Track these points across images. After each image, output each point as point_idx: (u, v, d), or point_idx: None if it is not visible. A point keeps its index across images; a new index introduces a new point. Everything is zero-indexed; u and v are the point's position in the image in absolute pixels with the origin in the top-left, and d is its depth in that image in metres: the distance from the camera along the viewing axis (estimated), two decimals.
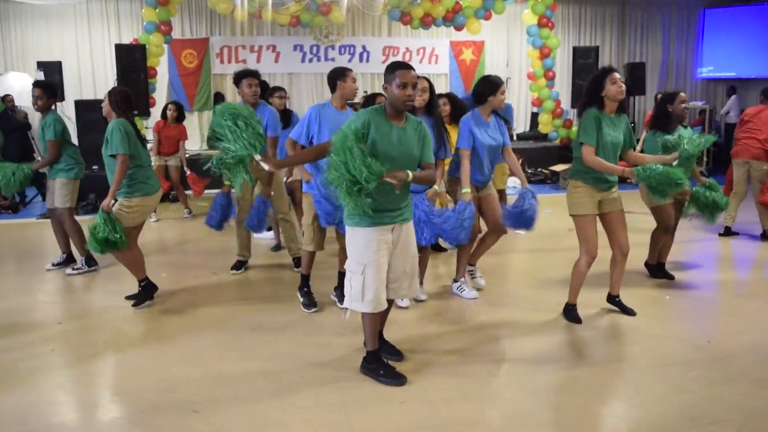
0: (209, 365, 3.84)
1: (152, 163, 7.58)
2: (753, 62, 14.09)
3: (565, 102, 12.65)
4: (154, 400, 3.37)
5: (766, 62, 13.97)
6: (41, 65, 10.08)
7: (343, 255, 4.72)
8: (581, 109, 4.32)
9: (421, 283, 4.90)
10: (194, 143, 12.66)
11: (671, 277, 5.47)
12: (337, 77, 4.59)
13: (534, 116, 13.00)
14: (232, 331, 4.41)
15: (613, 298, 4.66)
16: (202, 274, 5.80)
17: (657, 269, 5.52)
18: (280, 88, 6.61)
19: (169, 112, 8.45)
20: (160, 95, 11.95)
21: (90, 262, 5.84)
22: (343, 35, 12.27)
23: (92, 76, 12.31)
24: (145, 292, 4.90)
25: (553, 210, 8.53)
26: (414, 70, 3.39)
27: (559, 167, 10.86)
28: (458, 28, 11.81)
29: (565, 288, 4.58)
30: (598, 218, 4.37)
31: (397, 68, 3.34)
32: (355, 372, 3.69)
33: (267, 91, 6.44)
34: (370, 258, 3.36)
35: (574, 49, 12.46)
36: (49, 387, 3.55)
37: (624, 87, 4.19)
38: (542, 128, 12.05)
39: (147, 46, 10.37)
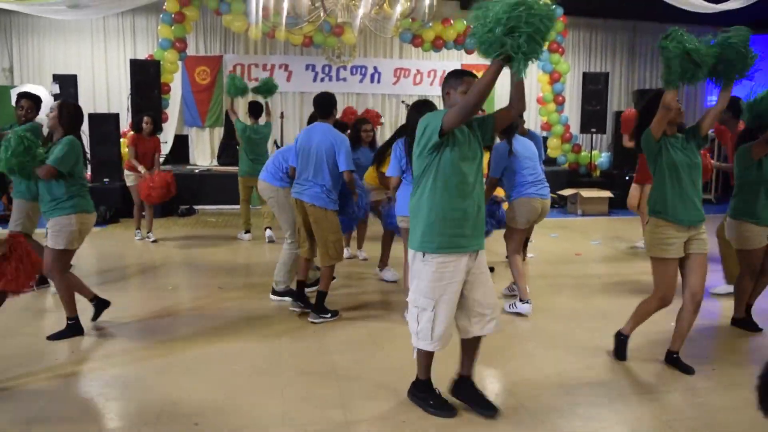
0: (215, 378, 3.87)
1: (132, 181, 7.69)
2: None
3: (575, 127, 12.70)
4: (158, 413, 3.39)
5: None
6: (57, 78, 10.23)
7: (307, 258, 5.07)
8: None
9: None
10: (205, 159, 12.78)
11: (757, 328, 4.75)
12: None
13: (543, 140, 13.04)
14: (237, 344, 4.44)
15: (671, 356, 4.03)
16: (207, 287, 5.84)
17: (745, 320, 4.81)
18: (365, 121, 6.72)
19: (144, 125, 7.84)
20: (173, 111, 12.10)
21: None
22: (355, 56, 12.39)
23: (106, 91, 12.47)
24: (70, 331, 4.52)
25: (561, 234, 8.55)
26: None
27: (567, 191, 10.89)
28: (469, 52, 11.92)
29: (571, 319, 4.56)
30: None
31: (464, 75, 3.23)
32: (358, 390, 3.70)
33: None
34: (444, 291, 3.07)
35: (584, 74, 12.54)
36: (49, 399, 3.59)
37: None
38: (551, 152, 12.09)
39: (161, 62, 10.52)
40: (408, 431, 3.25)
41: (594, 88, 12.08)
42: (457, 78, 3.22)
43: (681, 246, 3.83)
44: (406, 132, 4.72)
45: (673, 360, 4.01)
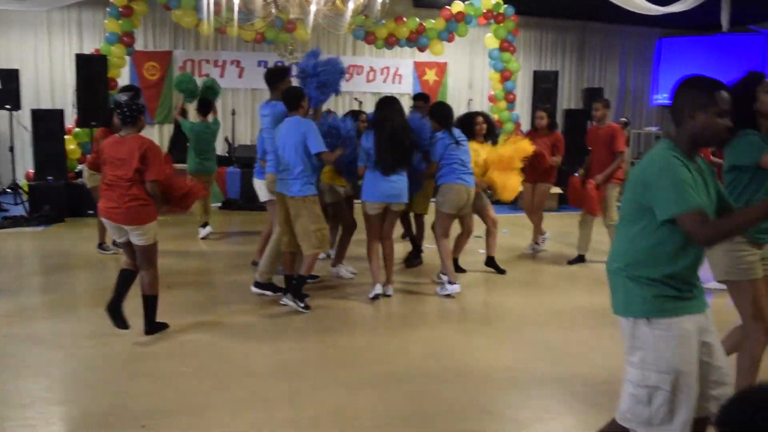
0: (162, 378, 3.80)
1: (96, 181, 7.11)
2: None
3: (525, 124, 12.87)
4: (105, 415, 3.32)
5: None
6: None
7: (290, 253, 5.18)
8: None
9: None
10: None
11: None
12: None
13: (493, 132, 13.19)
14: (186, 344, 4.37)
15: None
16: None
17: None
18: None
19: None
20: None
21: None
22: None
23: (51, 86, 12.09)
24: None
25: (512, 230, 8.67)
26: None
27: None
28: (422, 49, 11.97)
29: (521, 313, 4.63)
30: None
31: (715, 90, 2.31)
32: (307, 386, 3.69)
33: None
34: (687, 362, 2.27)
35: (535, 73, 12.73)
36: None
37: None
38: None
39: (108, 57, 10.27)
40: (359, 427, 3.25)
41: (544, 86, 12.26)
42: (707, 94, 2.31)
43: (760, 264, 3.19)
44: (374, 126, 5.25)
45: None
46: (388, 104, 5.35)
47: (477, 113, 6.51)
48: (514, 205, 10.71)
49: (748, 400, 1.21)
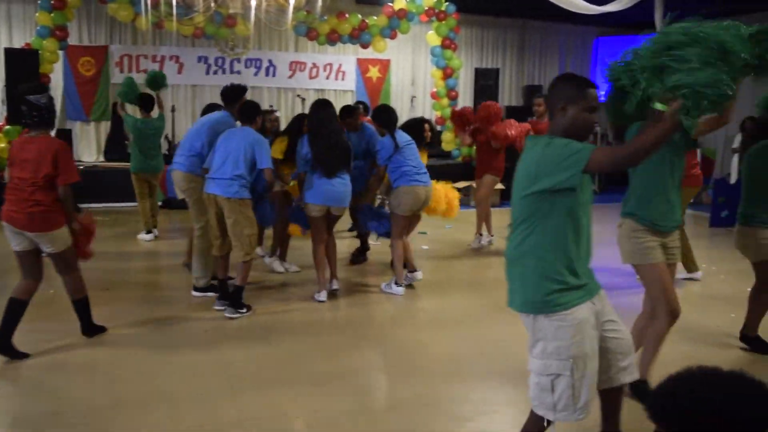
0: (100, 383, 3.70)
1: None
2: None
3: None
4: (40, 421, 3.21)
5: None
6: None
7: (224, 255, 5.06)
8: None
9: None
10: (91, 154, 12.17)
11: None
12: None
13: (437, 134, 13.30)
14: (124, 347, 4.26)
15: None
16: (93, 289, 5.58)
17: (756, 341, 4.36)
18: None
19: None
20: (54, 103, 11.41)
21: None
22: (250, 48, 12.14)
23: None
24: None
25: (454, 225, 8.76)
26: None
27: (461, 184, 11.15)
28: (364, 46, 11.96)
29: (466, 308, 4.68)
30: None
31: (585, 86, 2.52)
32: (250, 387, 3.65)
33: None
34: (584, 348, 2.42)
35: (476, 70, 12.90)
36: None
37: None
38: (445, 146, 12.36)
39: (40, 52, 9.91)
40: (303, 425, 3.24)
41: (486, 83, 12.45)
42: (578, 89, 2.51)
43: (662, 251, 3.48)
44: (310, 131, 5.24)
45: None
46: (321, 108, 5.33)
47: (424, 120, 6.56)
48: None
49: (677, 387, 1.24)
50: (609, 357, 2.54)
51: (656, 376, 3.19)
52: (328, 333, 4.75)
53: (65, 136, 11.91)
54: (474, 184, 7.54)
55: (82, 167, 10.66)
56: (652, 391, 1.21)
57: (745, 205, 4.14)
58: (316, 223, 5.36)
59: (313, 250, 5.42)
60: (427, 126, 6.36)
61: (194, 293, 5.44)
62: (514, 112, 12.09)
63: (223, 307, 5.01)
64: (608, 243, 3.95)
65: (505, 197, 10.88)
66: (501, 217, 8.90)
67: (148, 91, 8.04)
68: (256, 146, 4.93)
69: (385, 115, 5.77)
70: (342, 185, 5.27)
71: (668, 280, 3.46)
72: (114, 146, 11.97)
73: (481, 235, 7.68)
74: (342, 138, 5.31)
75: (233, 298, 5.00)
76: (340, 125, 5.56)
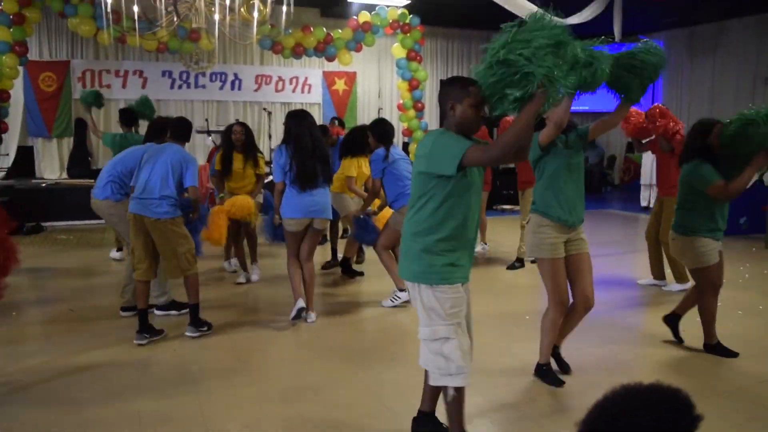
0: (63, 405, 3.61)
1: None
2: (603, 96, 15.19)
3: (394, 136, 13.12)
4: None
5: (612, 97, 15.18)
6: None
7: (144, 282, 4.77)
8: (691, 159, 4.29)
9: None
10: (53, 171, 11.95)
11: (733, 354, 4.44)
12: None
13: (405, 146, 13.37)
14: (89, 368, 4.18)
15: (555, 350, 4.10)
16: (57, 310, 5.47)
17: (718, 346, 4.49)
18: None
19: None
20: (14, 120, 11.21)
21: None
22: (215, 62, 12.07)
23: None
24: None
25: None
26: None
27: None
28: (330, 59, 11.98)
29: None
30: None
31: (469, 84, 2.79)
32: (221, 403, 3.60)
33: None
34: (462, 316, 2.84)
35: (442, 82, 12.96)
36: None
37: None
38: (412, 157, 12.41)
39: None
40: None
41: None
42: (461, 88, 2.80)
43: (562, 246, 3.82)
44: (286, 141, 5.08)
45: (554, 354, 4.10)
46: (297, 117, 5.14)
47: (366, 128, 6.44)
48: None
49: (608, 407, 1.28)
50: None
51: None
52: (298, 350, 4.71)
53: (26, 153, 11.74)
54: None
55: (44, 185, 10.49)
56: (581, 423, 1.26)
57: (683, 216, 4.40)
58: (292, 237, 5.14)
59: (287, 264, 5.23)
60: (369, 133, 6.27)
61: (156, 312, 5.32)
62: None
63: (144, 341, 4.62)
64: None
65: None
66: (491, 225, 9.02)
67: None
68: (185, 164, 4.71)
69: (380, 128, 5.69)
70: (322, 196, 5.10)
71: (562, 275, 3.81)
72: (77, 162, 11.79)
73: (485, 244, 7.96)
74: (323, 149, 5.15)
75: (192, 317, 4.85)
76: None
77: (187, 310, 5.01)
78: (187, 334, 4.80)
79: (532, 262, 4.36)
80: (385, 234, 5.70)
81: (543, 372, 3.96)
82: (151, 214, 4.59)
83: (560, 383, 3.88)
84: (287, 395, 3.79)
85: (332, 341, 4.81)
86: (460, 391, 2.87)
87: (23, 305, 5.69)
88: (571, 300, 3.94)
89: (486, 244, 7.99)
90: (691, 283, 6.14)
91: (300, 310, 5.08)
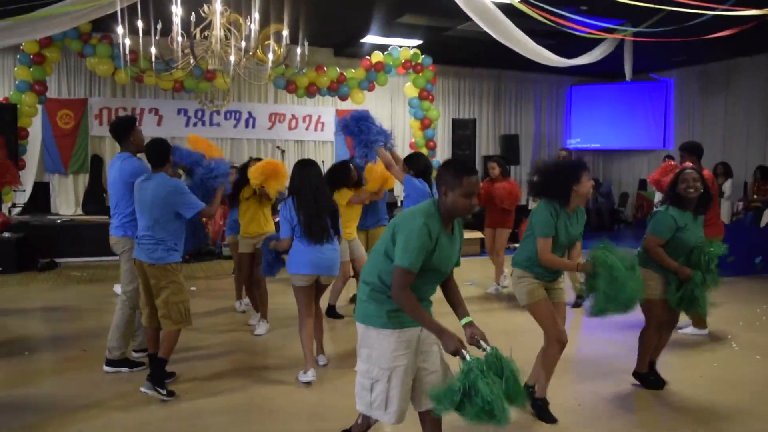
0: None
1: None
2: (614, 134, 15.35)
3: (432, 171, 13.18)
4: None
5: (625, 134, 15.27)
6: None
7: (153, 329, 4.52)
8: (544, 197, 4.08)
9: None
10: (69, 207, 12.07)
11: (661, 384, 4.67)
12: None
13: None
14: (100, 418, 4.17)
15: (527, 389, 4.03)
16: (72, 350, 5.48)
17: (647, 376, 4.70)
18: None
19: None
20: (32, 157, 11.38)
21: None
22: (229, 100, 12.26)
23: None
24: None
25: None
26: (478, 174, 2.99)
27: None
28: (343, 98, 12.12)
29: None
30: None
31: (464, 174, 2.90)
32: None
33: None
34: (400, 363, 2.94)
35: (454, 120, 13.10)
36: None
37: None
38: None
39: (18, 106, 9.92)
40: None
41: (463, 133, 12.65)
42: (455, 178, 2.90)
43: (544, 291, 4.03)
44: (292, 193, 4.73)
45: (528, 394, 4.07)
46: (304, 167, 4.78)
47: (348, 162, 6.45)
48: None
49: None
50: (418, 383, 3.00)
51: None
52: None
53: (43, 189, 11.88)
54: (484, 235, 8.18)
55: (59, 221, 10.59)
56: None
57: (641, 251, 4.56)
58: (303, 294, 4.74)
59: (299, 325, 4.78)
60: (352, 166, 6.23)
61: (105, 368, 4.87)
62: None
63: (150, 392, 4.30)
64: None
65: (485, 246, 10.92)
66: (491, 266, 8.98)
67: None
68: (173, 198, 4.32)
69: (419, 163, 5.64)
70: (332, 251, 4.72)
71: (554, 314, 3.98)
72: (92, 199, 11.91)
73: (503, 278, 8.02)
74: (330, 201, 4.82)
75: (154, 373, 4.36)
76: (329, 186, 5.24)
77: (141, 367, 4.77)
78: (142, 389, 4.31)
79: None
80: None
81: (539, 406, 4.08)
82: (147, 258, 4.34)
83: (554, 420, 4.03)
84: None
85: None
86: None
87: (36, 344, 5.69)
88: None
89: (499, 284, 7.97)
90: (708, 330, 6.10)
91: (310, 382, 4.68)
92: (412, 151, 12.37)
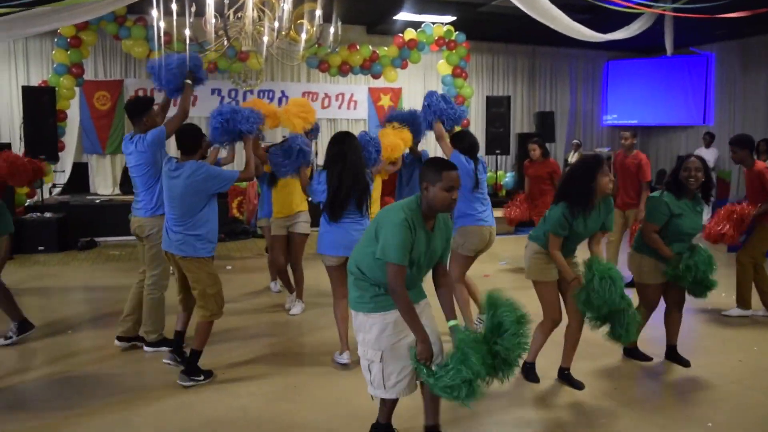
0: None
1: None
2: (652, 110, 15.03)
3: (480, 148, 13.05)
4: None
5: (663, 110, 14.94)
6: None
7: (187, 305, 4.58)
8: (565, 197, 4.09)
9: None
10: (107, 188, 12.29)
11: (686, 363, 4.68)
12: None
13: None
14: (122, 411, 4.26)
15: (563, 372, 4.34)
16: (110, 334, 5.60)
17: (669, 353, 4.79)
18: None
19: None
20: (71, 138, 11.58)
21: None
22: (262, 80, 12.29)
23: None
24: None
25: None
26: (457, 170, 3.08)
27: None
28: (375, 77, 12.06)
29: None
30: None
31: (444, 169, 3.03)
32: None
33: None
34: (390, 343, 3.10)
35: (488, 98, 12.95)
36: None
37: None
38: None
39: (57, 89, 10.08)
40: None
41: (497, 110, 12.50)
42: (436, 172, 3.02)
43: (556, 270, 4.18)
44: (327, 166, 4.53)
45: (563, 375, 4.33)
46: (340, 141, 4.53)
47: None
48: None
49: None
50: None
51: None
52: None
53: (81, 169, 12.10)
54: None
55: (97, 200, 10.79)
56: None
57: (638, 236, 4.68)
58: (334, 274, 4.69)
59: (334, 306, 4.78)
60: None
61: (146, 349, 4.97)
62: (525, 140, 12.13)
63: (173, 363, 4.50)
64: None
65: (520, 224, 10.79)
66: (517, 245, 8.92)
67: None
68: (208, 183, 4.25)
69: (464, 140, 5.35)
70: (357, 232, 4.48)
71: (555, 295, 4.24)
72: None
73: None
74: (364, 176, 4.55)
75: (189, 365, 4.36)
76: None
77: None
78: (179, 382, 4.31)
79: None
80: (453, 263, 5.09)
81: (527, 369, 4.37)
82: (178, 251, 4.29)
83: (537, 380, 4.33)
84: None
85: None
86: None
87: (78, 323, 5.83)
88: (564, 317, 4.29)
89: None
90: (752, 310, 5.98)
91: (344, 361, 4.67)
92: None
